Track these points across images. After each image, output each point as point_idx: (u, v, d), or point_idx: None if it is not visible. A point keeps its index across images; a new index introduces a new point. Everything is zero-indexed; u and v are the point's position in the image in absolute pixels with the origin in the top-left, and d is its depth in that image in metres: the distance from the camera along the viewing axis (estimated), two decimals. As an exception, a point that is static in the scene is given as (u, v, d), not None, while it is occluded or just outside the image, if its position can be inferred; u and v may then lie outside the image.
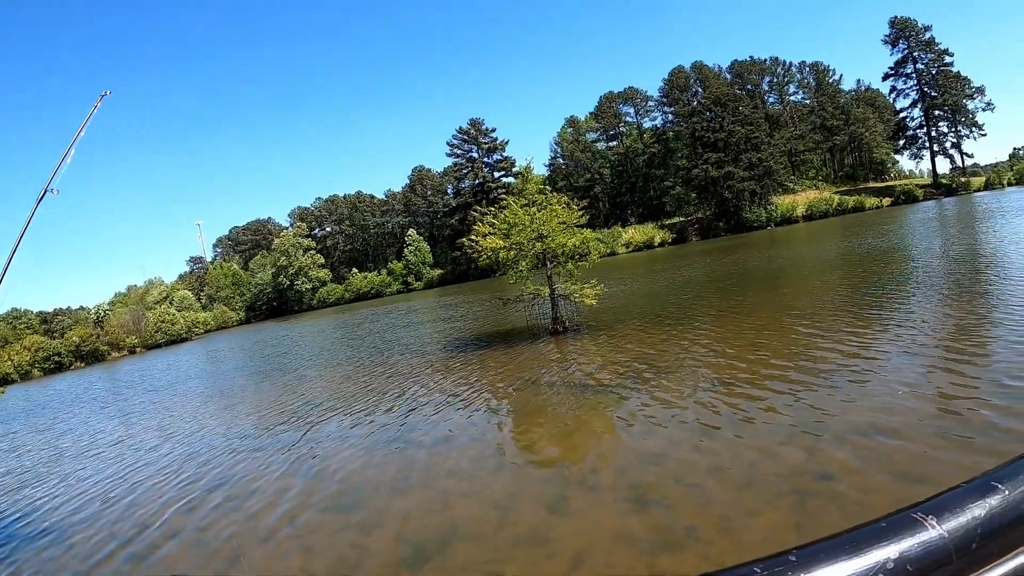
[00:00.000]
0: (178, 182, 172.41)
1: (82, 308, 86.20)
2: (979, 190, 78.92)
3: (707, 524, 5.33)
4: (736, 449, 6.99)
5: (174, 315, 66.06)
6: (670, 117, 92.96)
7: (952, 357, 9.08)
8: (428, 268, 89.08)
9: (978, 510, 0.63)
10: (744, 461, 6.60)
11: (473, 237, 18.21)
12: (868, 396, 7.93)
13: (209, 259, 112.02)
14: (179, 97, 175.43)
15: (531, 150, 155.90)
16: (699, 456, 7.01)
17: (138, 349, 59.26)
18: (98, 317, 63.45)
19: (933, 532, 0.60)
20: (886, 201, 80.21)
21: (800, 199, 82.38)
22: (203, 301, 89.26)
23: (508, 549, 5.60)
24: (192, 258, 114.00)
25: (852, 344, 10.75)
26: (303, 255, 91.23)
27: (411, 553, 5.88)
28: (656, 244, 79.50)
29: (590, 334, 16.73)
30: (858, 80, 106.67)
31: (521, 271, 17.56)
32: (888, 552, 0.58)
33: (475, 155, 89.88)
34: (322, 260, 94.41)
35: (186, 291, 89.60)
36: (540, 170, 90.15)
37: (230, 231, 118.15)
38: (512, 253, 17.38)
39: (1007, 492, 0.65)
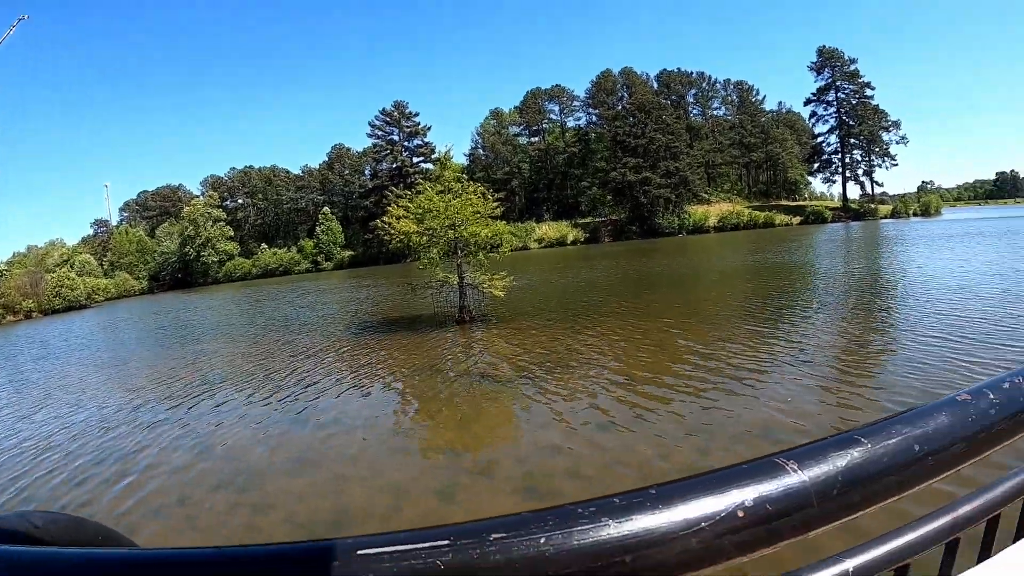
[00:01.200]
0: (88, 136, 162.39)
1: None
2: (885, 217, 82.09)
3: None
4: (630, 445, 7.12)
5: (74, 280, 62.69)
6: (594, 119, 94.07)
7: (843, 368, 9.52)
8: (339, 249, 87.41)
9: (839, 459, 0.65)
10: (638, 457, 6.73)
11: (387, 219, 18.25)
12: (762, 400, 8.18)
13: (115, 223, 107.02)
14: (99, 42, 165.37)
15: (453, 138, 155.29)
16: (594, 451, 7.11)
17: (35, 314, 56.16)
18: None
19: (794, 476, 0.62)
20: (796, 219, 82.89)
21: (713, 210, 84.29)
22: (105, 267, 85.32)
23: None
24: (97, 221, 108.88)
25: (751, 351, 11.08)
26: (212, 226, 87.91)
27: (302, 536, 5.58)
28: (569, 242, 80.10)
29: (496, 325, 16.77)
30: (780, 102, 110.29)
31: (432, 257, 17.57)
32: (748, 492, 0.60)
33: (396, 138, 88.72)
34: (231, 232, 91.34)
35: (88, 255, 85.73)
36: (460, 159, 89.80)
37: (139, 195, 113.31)
38: (424, 239, 17.39)
39: (869, 445, 0.68)
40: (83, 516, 0.66)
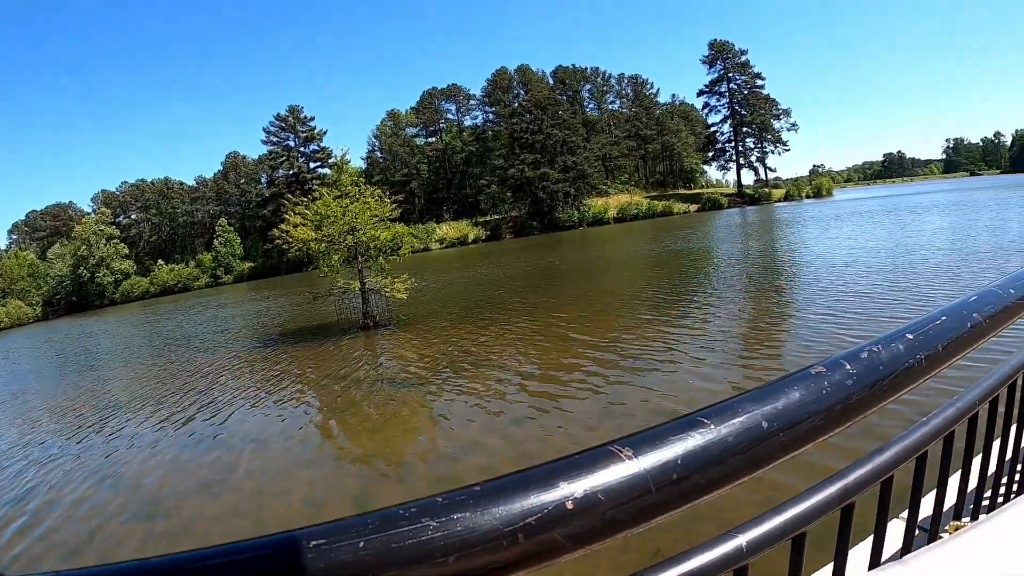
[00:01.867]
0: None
1: None
2: (779, 201, 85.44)
3: None
4: (545, 437, 7.17)
5: None
6: (491, 117, 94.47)
7: (753, 342, 9.89)
8: (239, 261, 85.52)
9: (679, 443, 0.64)
10: (553, 449, 6.72)
11: (284, 228, 17.97)
12: (670, 384, 8.36)
13: (2, 247, 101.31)
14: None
15: (349, 142, 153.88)
16: (507, 445, 7.15)
17: None
18: None
19: (629, 463, 0.60)
20: (693, 207, 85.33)
21: (612, 202, 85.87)
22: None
23: None
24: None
25: (660, 335, 11.33)
26: (105, 244, 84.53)
27: None
28: (470, 241, 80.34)
29: (401, 329, 16.76)
30: (673, 95, 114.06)
31: (332, 264, 17.34)
32: (578, 483, 0.58)
33: (292, 144, 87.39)
34: (126, 250, 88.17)
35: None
36: (357, 163, 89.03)
37: (27, 215, 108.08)
38: (323, 245, 17.24)
39: (712, 426, 0.67)
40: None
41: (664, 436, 0.65)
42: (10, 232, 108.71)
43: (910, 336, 0.93)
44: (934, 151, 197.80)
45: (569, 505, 0.57)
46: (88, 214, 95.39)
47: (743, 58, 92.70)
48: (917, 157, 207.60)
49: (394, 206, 18.26)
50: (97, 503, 7.90)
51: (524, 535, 0.55)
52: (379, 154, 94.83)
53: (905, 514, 1.25)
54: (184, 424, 10.99)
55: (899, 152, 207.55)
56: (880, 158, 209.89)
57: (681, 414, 0.71)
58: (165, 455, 9.41)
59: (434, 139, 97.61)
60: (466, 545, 0.53)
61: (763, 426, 0.70)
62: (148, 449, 9.91)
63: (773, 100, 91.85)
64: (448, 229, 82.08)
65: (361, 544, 0.50)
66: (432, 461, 7.28)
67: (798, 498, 0.85)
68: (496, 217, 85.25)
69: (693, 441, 0.65)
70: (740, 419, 0.69)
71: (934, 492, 1.33)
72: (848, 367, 0.82)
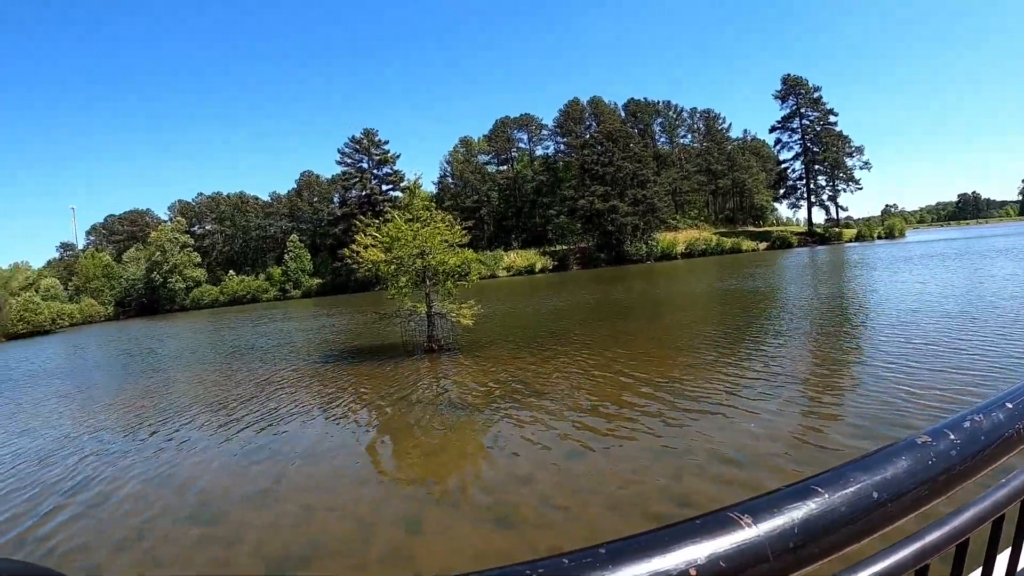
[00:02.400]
0: (56, 159, 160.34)
1: (-60, 288, 79.33)
2: (851, 241, 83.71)
3: (571, 545, 5.33)
4: (602, 473, 7.06)
5: (39, 304, 62.01)
6: (562, 147, 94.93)
7: (816, 390, 9.60)
8: (307, 276, 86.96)
9: (795, 511, 0.64)
10: (609, 485, 6.67)
11: (355, 247, 18.05)
12: (735, 424, 8.19)
13: (81, 247, 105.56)
14: (69, 64, 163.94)
15: (422, 167, 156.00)
16: (567, 477, 7.07)
17: None
18: None
19: (749, 531, 0.61)
20: (762, 245, 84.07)
21: (681, 236, 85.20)
22: (70, 292, 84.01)
23: (371, 566, 5.50)
24: (63, 244, 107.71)
25: (720, 376, 11.05)
26: (179, 252, 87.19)
27: (271, 569, 5.68)
28: (537, 270, 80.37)
29: (464, 354, 16.66)
30: (745, 130, 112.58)
31: (400, 286, 17.36)
32: (701, 549, 0.58)
33: (365, 166, 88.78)
34: (199, 259, 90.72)
35: (54, 279, 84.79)
36: (429, 187, 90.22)
37: (106, 219, 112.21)
38: (392, 267, 17.29)
39: (826, 495, 0.67)
40: (38, 563, 0.64)
41: (781, 503, 0.65)
42: (88, 233, 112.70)
43: (1009, 405, 0.94)
44: (1010, 192, 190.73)
45: (692, 572, 0.57)
46: (164, 222, 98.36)
47: (816, 94, 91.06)
48: (992, 198, 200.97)
49: (464, 232, 18.13)
50: (148, 501, 7.95)
51: None
52: (450, 180, 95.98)
53: (979, 572, 1.17)
54: (240, 431, 11.03)
55: (974, 193, 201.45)
56: (954, 199, 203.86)
57: (794, 480, 0.71)
58: (218, 460, 9.45)
59: (505, 167, 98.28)
60: None
61: (873, 496, 0.70)
62: (203, 453, 9.98)
63: (846, 137, 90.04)
64: (516, 257, 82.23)
65: None
66: (486, 490, 7.12)
67: (874, 558, 0.83)
68: (564, 247, 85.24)
69: (808, 509, 0.65)
70: (852, 489, 0.69)
71: (1008, 551, 1.22)
72: (952, 437, 0.83)
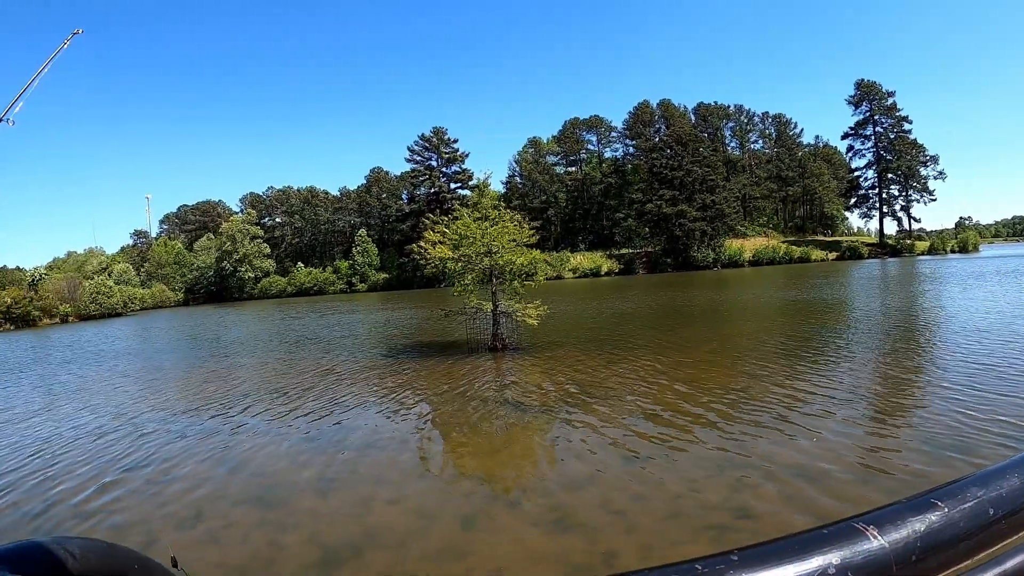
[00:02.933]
0: (133, 149, 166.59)
1: (18, 268, 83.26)
2: (923, 254, 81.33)
3: (628, 552, 5.31)
4: (662, 480, 7.02)
5: (111, 287, 63.64)
6: (631, 150, 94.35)
7: (880, 409, 9.37)
8: (374, 271, 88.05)
9: (918, 524, 0.64)
10: (669, 493, 6.63)
11: (423, 244, 18.12)
12: (798, 438, 8.06)
13: (154, 235, 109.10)
14: (149, 59, 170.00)
15: (490, 166, 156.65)
16: (625, 483, 7.02)
17: (71, 318, 57.14)
18: (33, 280, 61.45)
19: (874, 542, 0.61)
20: (832, 255, 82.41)
21: (749, 244, 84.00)
22: (142, 277, 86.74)
23: (425, 560, 5.50)
24: (137, 231, 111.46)
25: (785, 388, 10.92)
26: (249, 242, 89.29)
27: (325, 556, 5.73)
28: (603, 272, 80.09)
29: (528, 354, 16.60)
30: (817, 136, 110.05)
31: (467, 284, 17.42)
32: (831, 558, 0.58)
33: (434, 163, 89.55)
34: (268, 250, 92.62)
35: (127, 264, 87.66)
36: (497, 187, 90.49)
37: (178, 209, 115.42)
38: (460, 265, 17.36)
39: (946, 510, 0.67)
40: (115, 543, 0.65)
41: (903, 516, 0.65)
42: (161, 222, 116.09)
43: None
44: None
45: None
46: (235, 213, 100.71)
47: (890, 100, 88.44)
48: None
49: (532, 232, 18.02)
50: (210, 482, 8.04)
51: None
52: (519, 179, 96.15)
53: None
54: (302, 420, 11.11)
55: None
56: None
57: (915, 492, 0.71)
58: (280, 446, 9.51)
59: (574, 168, 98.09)
60: None
61: (989, 512, 0.70)
62: (264, 437, 10.07)
63: (920, 146, 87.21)
64: (582, 259, 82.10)
65: None
66: (543, 491, 7.05)
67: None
68: (630, 251, 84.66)
69: (929, 523, 0.65)
70: (969, 504, 0.69)
71: None
72: None
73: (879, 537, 0.62)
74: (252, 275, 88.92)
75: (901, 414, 9.01)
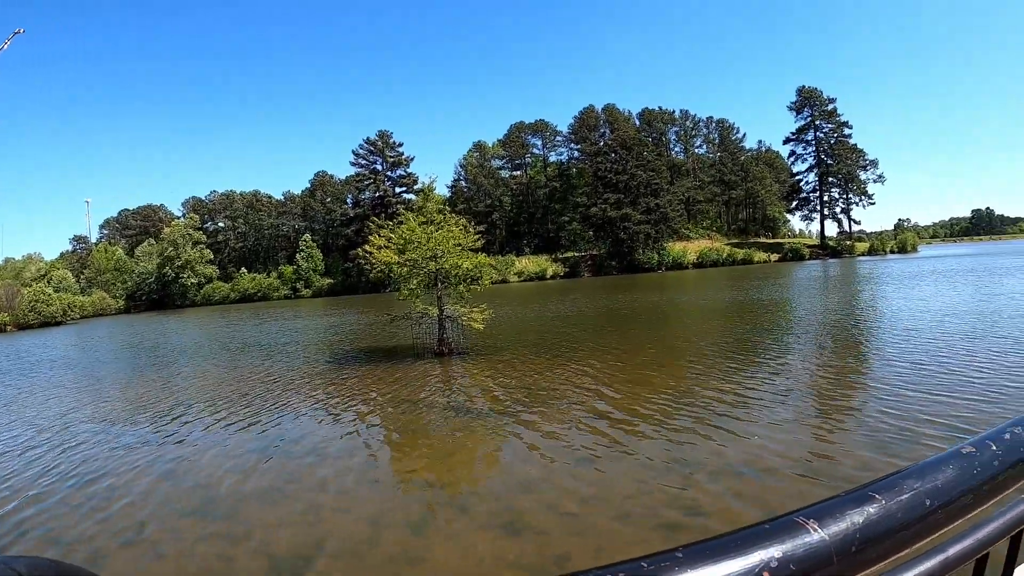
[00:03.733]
0: (71, 151, 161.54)
1: (-50, 278, 79.93)
2: (863, 254, 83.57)
3: (580, 553, 5.38)
4: (612, 481, 7.08)
5: (51, 296, 62.18)
6: (576, 154, 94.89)
7: (823, 404, 9.65)
8: (319, 276, 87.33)
9: (857, 516, 0.66)
10: (619, 493, 6.68)
11: (368, 248, 18.12)
12: (742, 436, 8.19)
13: (94, 240, 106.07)
14: (86, 56, 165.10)
15: (436, 170, 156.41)
16: (575, 485, 7.05)
17: (8, 327, 55.55)
18: None
19: (815, 535, 0.63)
20: (774, 256, 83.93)
21: (692, 246, 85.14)
22: (82, 284, 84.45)
23: (379, 568, 5.46)
24: (76, 237, 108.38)
25: (730, 386, 11.13)
26: (192, 248, 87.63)
27: (276, 567, 5.65)
28: (548, 276, 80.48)
29: (475, 358, 16.71)
30: (759, 140, 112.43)
31: (412, 288, 17.45)
32: (772, 552, 0.60)
33: (379, 167, 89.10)
34: (211, 255, 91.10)
35: (66, 271, 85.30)
36: (442, 191, 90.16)
37: (119, 213, 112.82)
38: (405, 269, 17.40)
39: (884, 502, 0.69)
40: (65, 561, 0.65)
41: (843, 509, 0.67)
42: (101, 227, 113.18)
43: None
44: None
45: (765, 575, 0.59)
46: (177, 218, 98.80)
47: (831, 106, 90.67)
48: (1006, 215, 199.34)
49: (477, 236, 18.21)
50: (152, 494, 7.91)
51: None
52: (464, 183, 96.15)
53: None
54: (247, 429, 11.01)
55: (988, 209, 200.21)
56: (968, 214, 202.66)
57: (853, 486, 0.74)
58: (225, 456, 9.41)
59: (519, 172, 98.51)
60: None
61: (925, 504, 0.73)
62: (210, 448, 9.95)
63: (860, 150, 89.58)
64: (527, 263, 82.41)
65: None
66: (494, 494, 7.09)
67: (898, 571, 0.82)
68: (575, 254, 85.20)
69: (868, 515, 0.67)
70: (906, 496, 0.72)
71: None
72: (994, 447, 0.85)
73: (819, 530, 0.64)
74: (195, 281, 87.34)
75: (846, 409, 9.22)
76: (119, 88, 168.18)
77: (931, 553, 0.87)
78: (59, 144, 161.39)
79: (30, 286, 65.51)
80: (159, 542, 6.40)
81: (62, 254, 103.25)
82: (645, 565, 0.55)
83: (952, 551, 0.88)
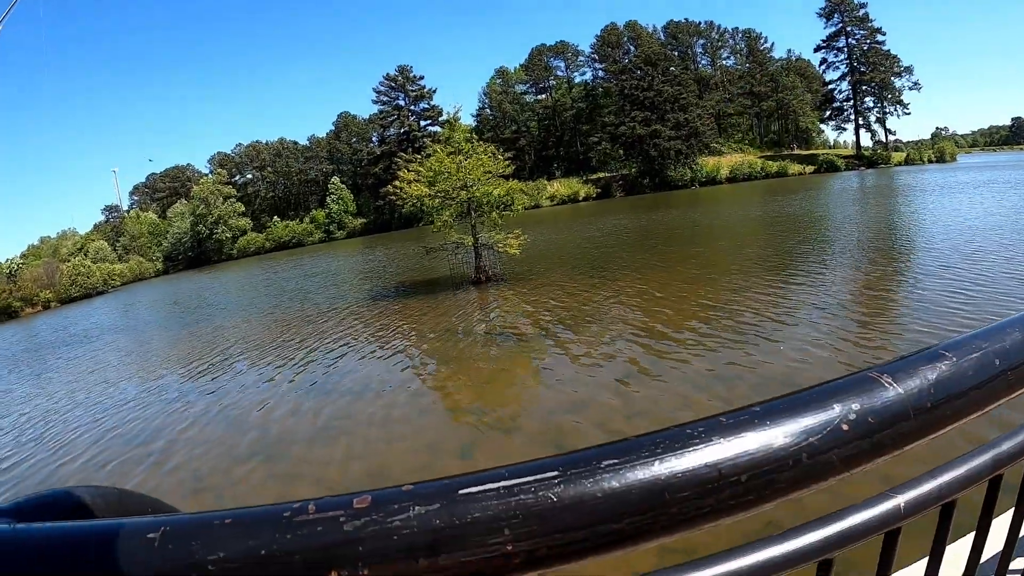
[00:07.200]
0: (93, 123, 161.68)
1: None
2: (899, 164, 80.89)
3: None
4: (656, 396, 7.03)
5: (89, 267, 62.70)
6: (600, 73, 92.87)
7: (863, 314, 9.58)
8: (351, 217, 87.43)
9: (930, 373, 0.66)
10: (663, 408, 6.65)
11: (398, 184, 18.22)
12: (783, 349, 8.12)
13: (126, 208, 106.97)
14: (90, 26, 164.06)
15: (459, 100, 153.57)
16: (620, 402, 7.01)
17: (53, 303, 56.30)
18: (11, 272, 60.48)
19: (891, 390, 0.62)
20: (809, 169, 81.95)
21: (725, 161, 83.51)
22: (119, 252, 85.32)
23: None
24: (107, 207, 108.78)
25: (770, 300, 11.07)
26: (223, 203, 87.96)
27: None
28: (580, 198, 79.82)
29: (513, 284, 16.74)
30: (789, 50, 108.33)
31: (445, 220, 17.48)
32: (850, 405, 0.60)
33: (402, 103, 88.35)
34: (243, 208, 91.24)
35: (102, 242, 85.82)
36: (467, 120, 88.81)
37: (147, 178, 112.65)
38: (437, 201, 17.46)
39: (955, 359, 0.69)
40: (128, 489, 0.67)
41: (916, 365, 0.66)
42: (131, 194, 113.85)
43: None
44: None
45: (844, 427, 0.58)
46: (206, 175, 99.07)
47: (862, 11, 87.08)
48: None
49: (506, 162, 18.21)
50: (219, 444, 8.09)
51: (807, 454, 0.56)
52: (489, 112, 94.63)
53: None
54: (299, 372, 11.15)
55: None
56: (1008, 122, 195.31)
57: (924, 346, 0.72)
58: (281, 401, 9.54)
59: (544, 96, 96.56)
60: (757, 463, 0.53)
61: (995, 363, 0.71)
62: (265, 395, 10.08)
63: (894, 57, 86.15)
64: (559, 186, 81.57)
65: (656, 464, 0.49)
66: (538, 416, 7.10)
67: (950, 465, 0.84)
68: (607, 175, 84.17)
69: (940, 372, 0.66)
70: (976, 355, 0.71)
71: None
72: None
73: (895, 385, 0.63)
74: (229, 235, 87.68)
75: (886, 320, 9.07)
76: (129, 53, 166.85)
77: (982, 449, 0.87)
78: (77, 117, 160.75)
79: (68, 261, 66.31)
80: (226, 488, 6.55)
81: (96, 225, 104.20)
82: (724, 420, 0.56)
83: (1004, 447, 0.88)
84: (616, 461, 0.46)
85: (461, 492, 0.42)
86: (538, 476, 0.44)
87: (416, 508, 0.40)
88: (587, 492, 0.44)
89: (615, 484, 0.45)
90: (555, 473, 0.44)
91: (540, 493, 0.43)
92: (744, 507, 0.54)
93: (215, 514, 0.44)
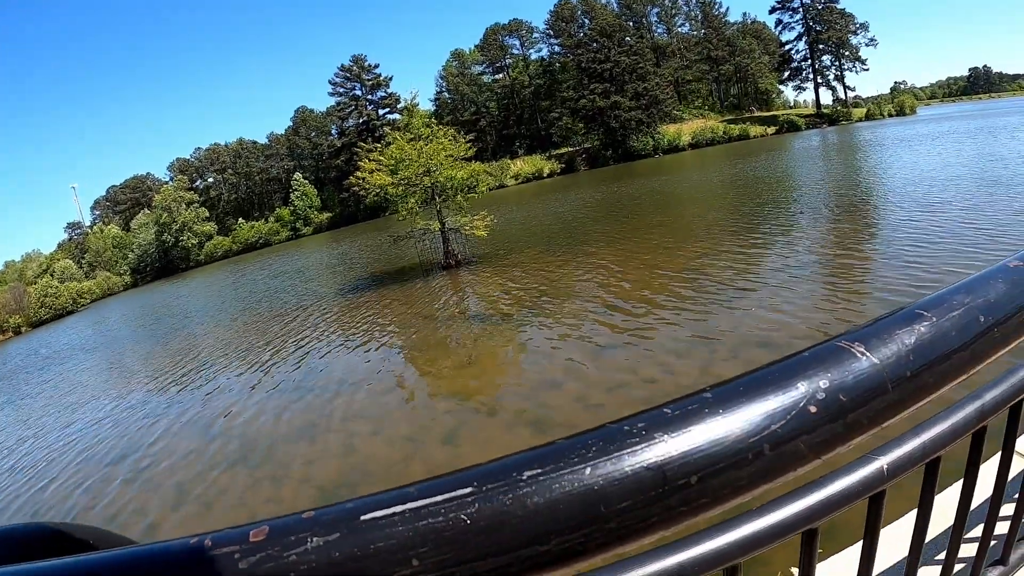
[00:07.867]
0: (46, 141, 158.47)
1: (-45, 296, 80.00)
2: (860, 120, 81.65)
3: None
4: (636, 367, 7.06)
5: (57, 287, 61.85)
6: (556, 49, 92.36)
7: (833, 273, 9.59)
8: (316, 212, 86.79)
9: (907, 337, 0.59)
10: (643, 378, 6.68)
11: (360, 175, 18.23)
12: (757, 312, 8.17)
13: (88, 224, 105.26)
14: (39, 40, 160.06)
15: (416, 85, 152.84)
16: (600, 376, 7.04)
17: (23, 328, 55.37)
18: None
19: (864, 360, 0.56)
20: (771, 130, 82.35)
21: (686, 128, 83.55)
22: (85, 269, 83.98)
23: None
24: (70, 224, 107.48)
25: (741, 264, 11.11)
26: (186, 209, 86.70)
27: (323, 498, 5.75)
28: (545, 175, 79.55)
29: (483, 266, 16.85)
30: (744, 13, 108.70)
31: (410, 207, 17.47)
32: (818, 383, 0.53)
33: (359, 93, 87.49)
34: (207, 213, 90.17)
35: (67, 260, 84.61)
36: (426, 105, 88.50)
37: (107, 191, 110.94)
38: (400, 189, 17.43)
39: (935, 319, 0.62)
40: (94, 525, 0.63)
41: (891, 330, 0.60)
42: (93, 208, 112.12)
43: None
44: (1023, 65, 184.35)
45: (812, 409, 0.51)
46: (166, 182, 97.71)
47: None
48: (1005, 72, 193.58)
49: (468, 144, 18.25)
50: (198, 452, 8.09)
51: (770, 445, 0.49)
52: (447, 95, 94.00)
53: None
54: (276, 372, 11.13)
55: (985, 67, 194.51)
56: (965, 73, 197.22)
57: (898, 306, 0.66)
58: (259, 403, 9.52)
59: (501, 76, 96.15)
60: (709, 461, 0.47)
61: (979, 320, 0.65)
62: (243, 398, 10.07)
63: (850, 15, 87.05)
64: (522, 164, 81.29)
65: (587, 471, 0.43)
66: (520, 396, 7.07)
67: (932, 421, 0.79)
68: (569, 149, 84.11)
69: (919, 335, 0.60)
70: (958, 312, 0.64)
71: None
72: None
73: (868, 354, 0.57)
74: (195, 241, 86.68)
75: (857, 277, 9.06)
76: (78, 65, 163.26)
77: (966, 401, 0.83)
78: (29, 136, 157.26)
79: (35, 283, 65.32)
80: (211, 496, 6.51)
81: (60, 244, 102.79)
82: (669, 411, 0.49)
83: (988, 397, 0.84)
84: (539, 471, 0.42)
85: (364, 518, 0.38)
86: (449, 495, 0.40)
87: (314, 540, 0.36)
88: (506, 511, 0.39)
89: (537, 499, 0.41)
90: (470, 490, 0.40)
91: (452, 515, 0.38)
92: (696, 512, 0.47)
93: (118, 553, 0.41)
